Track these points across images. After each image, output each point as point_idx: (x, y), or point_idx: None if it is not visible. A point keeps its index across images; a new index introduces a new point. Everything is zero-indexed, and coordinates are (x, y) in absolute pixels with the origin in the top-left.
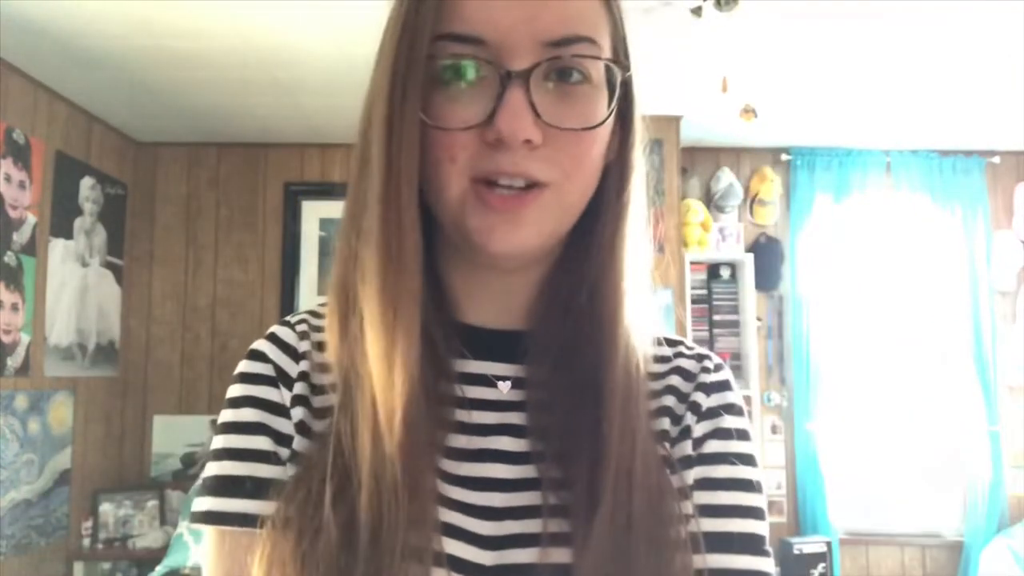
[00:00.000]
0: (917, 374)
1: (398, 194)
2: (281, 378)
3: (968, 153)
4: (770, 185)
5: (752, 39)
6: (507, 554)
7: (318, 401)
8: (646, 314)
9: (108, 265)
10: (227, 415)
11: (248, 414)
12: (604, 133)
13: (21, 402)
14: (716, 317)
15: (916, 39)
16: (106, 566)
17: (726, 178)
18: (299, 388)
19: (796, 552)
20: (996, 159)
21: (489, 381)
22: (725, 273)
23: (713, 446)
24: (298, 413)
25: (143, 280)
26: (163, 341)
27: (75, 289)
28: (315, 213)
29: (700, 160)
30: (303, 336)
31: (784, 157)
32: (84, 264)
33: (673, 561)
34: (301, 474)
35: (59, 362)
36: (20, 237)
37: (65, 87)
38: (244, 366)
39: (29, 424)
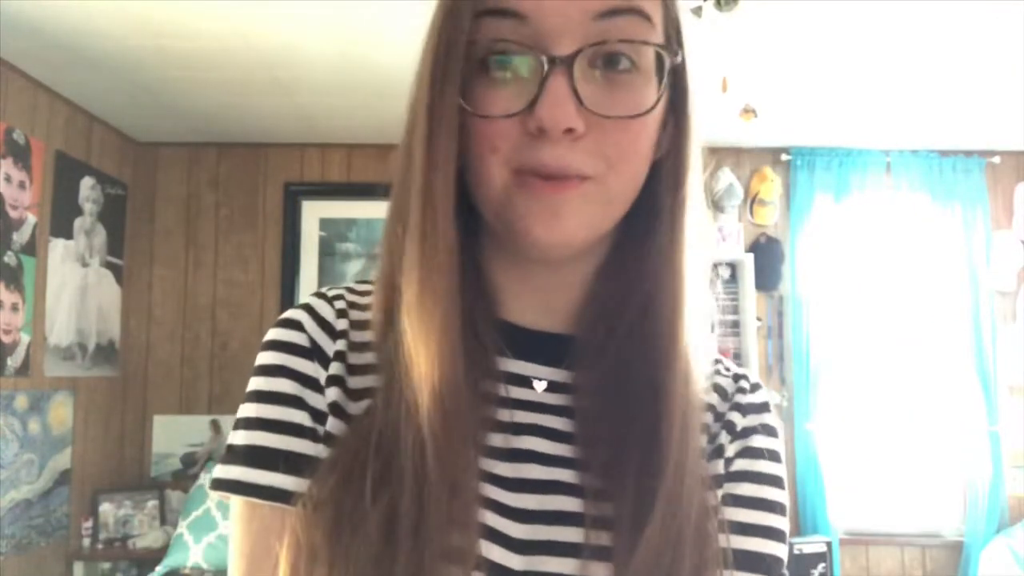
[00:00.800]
0: (917, 374)
1: (436, 184)
2: (317, 353)
3: (968, 153)
4: (770, 185)
5: (752, 39)
6: (537, 560)
7: (355, 382)
8: (705, 330)
9: (108, 265)
10: (259, 383)
11: (284, 384)
12: (652, 123)
13: (21, 402)
14: (716, 317)
15: (916, 39)
16: (106, 566)
17: (726, 178)
18: (335, 368)
19: (796, 552)
20: (996, 159)
21: (526, 381)
22: (725, 273)
23: (741, 464)
24: (332, 393)
25: (143, 280)
26: (163, 341)
27: (75, 289)
28: (315, 213)
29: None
30: (341, 314)
31: (784, 157)
32: (84, 264)
33: None
34: (336, 457)
35: (59, 362)
36: (20, 237)
37: (65, 87)
38: (279, 334)
39: (29, 424)
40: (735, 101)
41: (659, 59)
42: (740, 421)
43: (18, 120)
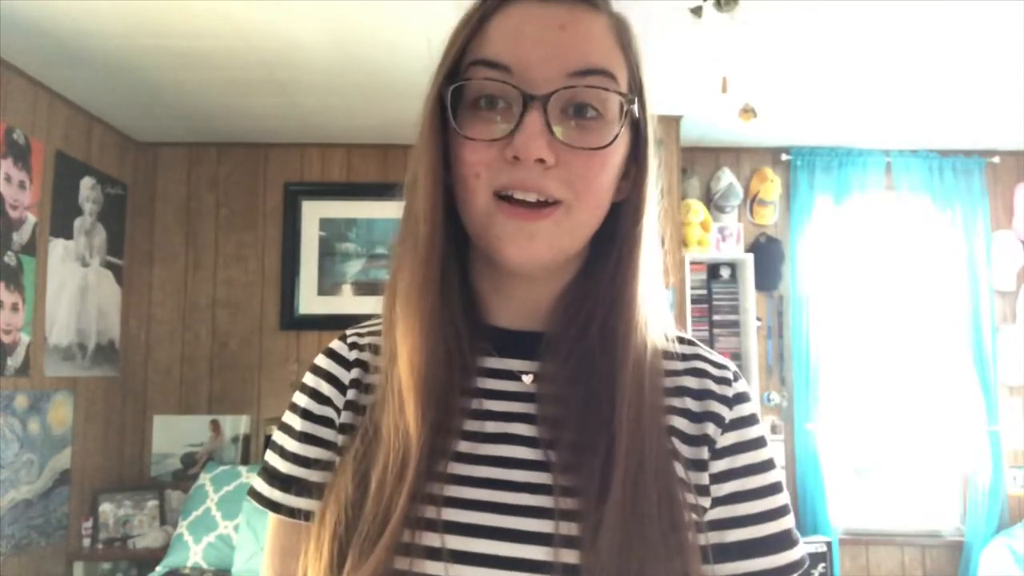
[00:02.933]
0: (917, 374)
1: (429, 202)
2: (335, 385)
3: (968, 153)
4: (770, 185)
5: (752, 39)
6: (518, 520)
7: (365, 400)
8: (659, 317)
9: (108, 265)
10: (285, 417)
11: (298, 423)
12: (614, 160)
13: (21, 402)
14: (716, 317)
15: (916, 39)
16: (106, 566)
17: (726, 178)
18: (351, 394)
19: None
20: (996, 159)
21: (513, 375)
22: (725, 273)
23: (742, 459)
24: (347, 416)
25: (143, 280)
26: (163, 341)
27: (75, 289)
28: (315, 213)
29: (700, 160)
30: (352, 347)
31: (784, 157)
32: (84, 264)
33: (684, 544)
34: (342, 458)
35: (59, 362)
36: (20, 237)
37: (65, 87)
38: (308, 379)
39: (29, 424)
40: (735, 101)
41: (621, 108)
42: (728, 414)
43: (18, 120)
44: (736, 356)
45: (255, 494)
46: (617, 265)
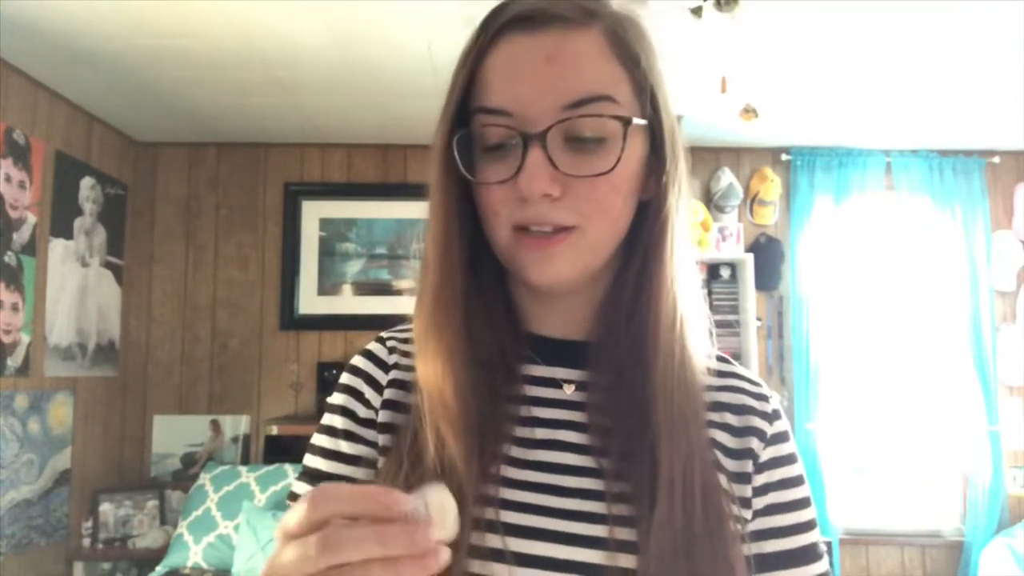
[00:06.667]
0: (917, 374)
1: (445, 241)
2: (373, 386)
3: (968, 153)
4: (770, 185)
5: (752, 39)
6: (572, 525)
7: (404, 398)
8: (699, 330)
9: (108, 265)
10: (324, 419)
11: (339, 422)
12: (624, 177)
13: (21, 402)
14: (716, 317)
15: (916, 39)
16: (106, 566)
17: (726, 178)
18: (388, 393)
19: None
20: (996, 159)
21: (556, 383)
22: (725, 273)
23: (779, 473)
24: (385, 416)
25: (143, 280)
26: (163, 341)
27: (75, 289)
28: (315, 213)
29: (700, 160)
30: (392, 351)
31: (784, 157)
32: (84, 264)
33: (730, 554)
34: (384, 464)
35: (59, 362)
36: (20, 237)
37: (65, 87)
38: (345, 378)
39: (29, 424)
40: (735, 101)
41: (625, 126)
42: (769, 429)
43: (18, 120)
44: (736, 356)
45: (295, 497)
46: (643, 265)
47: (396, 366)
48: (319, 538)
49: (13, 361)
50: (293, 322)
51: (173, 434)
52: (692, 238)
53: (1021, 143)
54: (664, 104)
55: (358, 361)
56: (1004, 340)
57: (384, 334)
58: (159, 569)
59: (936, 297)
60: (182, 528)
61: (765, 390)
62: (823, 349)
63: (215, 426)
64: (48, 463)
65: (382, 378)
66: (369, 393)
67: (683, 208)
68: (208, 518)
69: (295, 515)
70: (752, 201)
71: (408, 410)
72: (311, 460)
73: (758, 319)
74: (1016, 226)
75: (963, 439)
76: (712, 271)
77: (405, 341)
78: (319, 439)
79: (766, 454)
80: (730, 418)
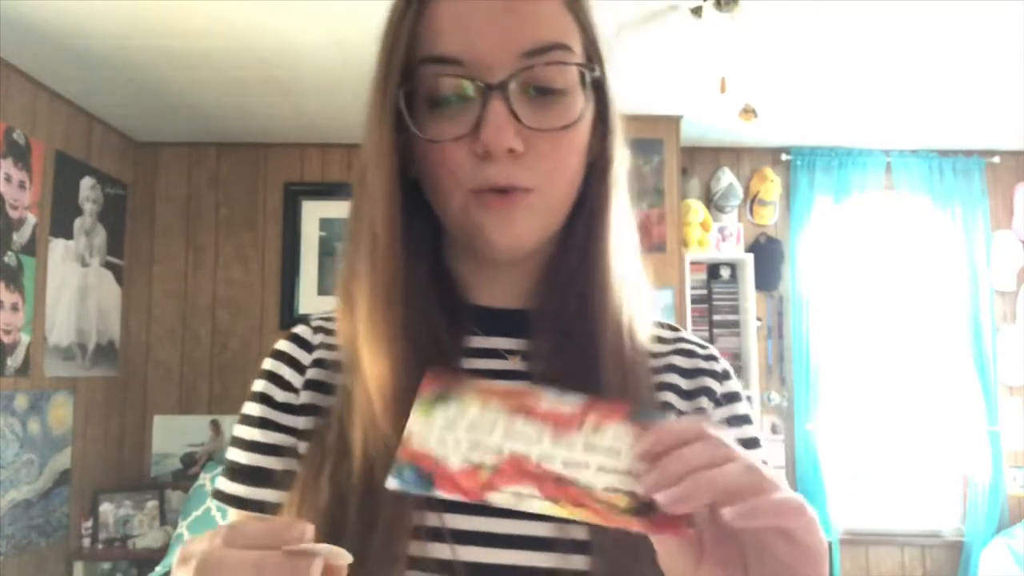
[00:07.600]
0: (917, 374)
1: (382, 204)
2: (294, 367)
3: (968, 153)
4: (770, 185)
5: (752, 39)
6: (522, 524)
7: (329, 378)
8: (640, 295)
9: (108, 265)
10: (244, 407)
11: (256, 409)
12: (582, 134)
13: (21, 402)
14: (716, 317)
15: (916, 39)
16: (106, 566)
17: (726, 178)
18: (312, 373)
19: None
20: (996, 159)
21: (498, 354)
22: (725, 273)
23: (731, 434)
24: (307, 396)
25: (143, 280)
26: (163, 341)
27: (75, 289)
28: (315, 213)
29: (700, 160)
30: (316, 331)
31: (784, 157)
32: (84, 264)
33: None
34: (308, 451)
35: (59, 362)
36: (20, 237)
37: (65, 87)
38: (266, 363)
39: (29, 424)
40: (735, 101)
41: (582, 76)
42: (718, 388)
43: (18, 120)
44: (736, 356)
45: (218, 492)
46: (588, 227)
47: (322, 345)
48: (199, 560)
49: (13, 361)
50: (293, 322)
51: (173, 434)
52: (631, 202)
53: (1021, 143)
54: (607, 61)
55: (281, 344)
56: (1004, 340)
57: (312, 316)
58: (159, 569)
59: (936, 297)
60: (182, 528)
61: (714, 351)
62: (823, 349)
63: (215, 426)
64: (48, 463)
65: (305, 358)
66: (289, 375)
67: (623, 171)
68: (208, 518)
69: (199, 546)
70: (752, 201)
71: (333, 391)
72: (231, 452)
73: (758, 319)
74: (1016, 226)
75: (963, 439)
76: (712, 271)
77: (332, 320)
78: (238, 429)
79: (717, 415)
80: (679, 380)
